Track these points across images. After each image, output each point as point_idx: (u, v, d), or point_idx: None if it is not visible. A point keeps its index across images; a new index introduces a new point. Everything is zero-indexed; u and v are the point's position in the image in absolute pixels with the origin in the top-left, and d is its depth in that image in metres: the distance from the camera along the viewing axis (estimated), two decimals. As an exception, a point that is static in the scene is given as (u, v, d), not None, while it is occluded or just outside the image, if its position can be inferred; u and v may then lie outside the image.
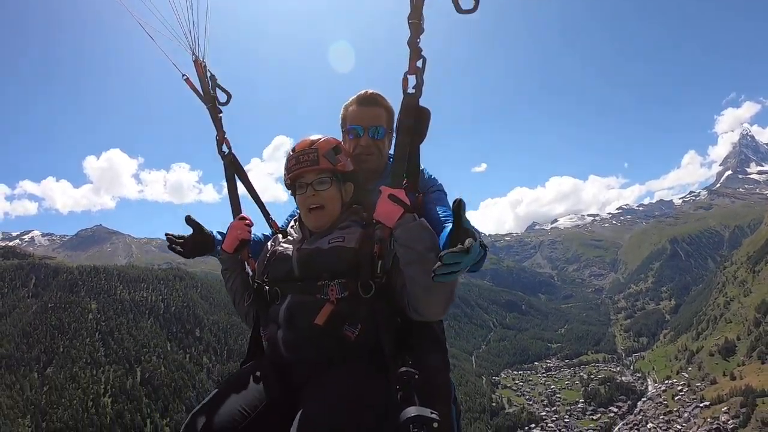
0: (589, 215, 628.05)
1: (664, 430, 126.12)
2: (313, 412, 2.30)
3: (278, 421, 2.52)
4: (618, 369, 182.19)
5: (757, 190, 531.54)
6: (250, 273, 3.18)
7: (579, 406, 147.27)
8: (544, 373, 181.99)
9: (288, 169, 2.91)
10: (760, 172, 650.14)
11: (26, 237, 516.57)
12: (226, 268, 3.25)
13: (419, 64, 2.58)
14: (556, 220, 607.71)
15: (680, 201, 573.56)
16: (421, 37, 2.56)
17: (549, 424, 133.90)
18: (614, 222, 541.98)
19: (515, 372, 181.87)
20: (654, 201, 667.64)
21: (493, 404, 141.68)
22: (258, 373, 2.74)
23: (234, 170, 3.55)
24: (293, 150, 2.92)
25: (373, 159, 3.27)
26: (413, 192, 2.73)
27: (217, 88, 3.60)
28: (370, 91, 3.36)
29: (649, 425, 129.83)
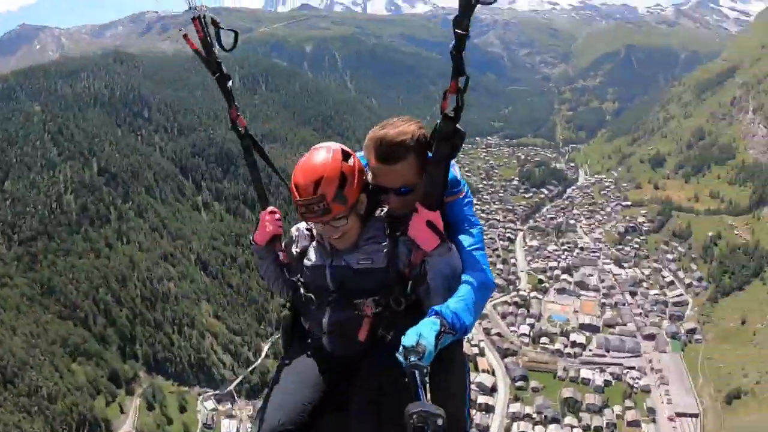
0: (549, 2, 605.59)
1: (586, 217, 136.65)
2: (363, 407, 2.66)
3: (334, 411, 2.88)
4: (554, 156, 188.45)
5: (724, 25, 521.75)
6: (283, 263, 3.28)
7: (513, 183, 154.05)
8: (484, 148, 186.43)
9: (300, 213, 2.74)
10: (731, 8, 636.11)
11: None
12: (260, 257, 3.36)
13: (461, 83, 2.44)
14: (514, 1, 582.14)
15: (645, 10, 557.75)
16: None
17: (485, 196, 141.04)
18: (573, 15, 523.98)
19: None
20: (619, 3, 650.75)
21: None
22: (311, 366, 3.03)
23: (254, 153, 3.45)
24: (297, 192, 2.67)
25: (403, 211, 2.87)
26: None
27: (221, 37, 3.20)
28: (387, 138, 2.76)
29: (574, 211, 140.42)
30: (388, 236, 2.89)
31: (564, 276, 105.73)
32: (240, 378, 77.06)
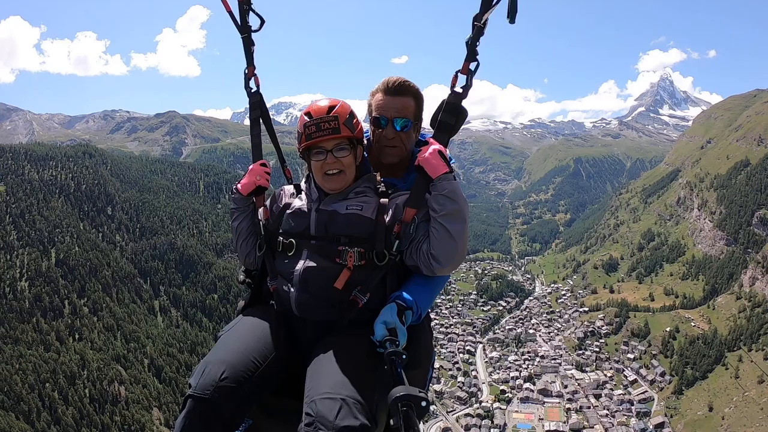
0: (501, 122, 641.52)
1: (545, 326, 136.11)
2: (322, 379, 2.39)
3: (285, 373, 2.75)
4: (510, 268, 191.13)
5: (665, 131, 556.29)
6: (262, 220, 3.20)
7: (471, 297, 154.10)
8: None
9: (307, 135, 2.85)
10: (671, 116, 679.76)
11: None
12: (236, 208, 3.28)
13: (472, 66, 2.78)
14: (468, 122, 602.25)
15: (591, 125, 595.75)
16: (480, 40, 2.73)
17: (443, 311, 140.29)
18: (525, 133, 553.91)
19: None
20: (566, 120, 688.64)
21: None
22: (268, 325, 2.82)
23: (259, 111, 3.52)
24: (308, 115, 2.87)
25: (397, 151, 3.23)
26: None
27: (251, 12, 3.40)
28: (398, 78, 3.24)
29: (533, 321, 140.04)
30: (378, 193, 2.96)
31: (527, 385, 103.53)
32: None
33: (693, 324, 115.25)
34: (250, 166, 3.31)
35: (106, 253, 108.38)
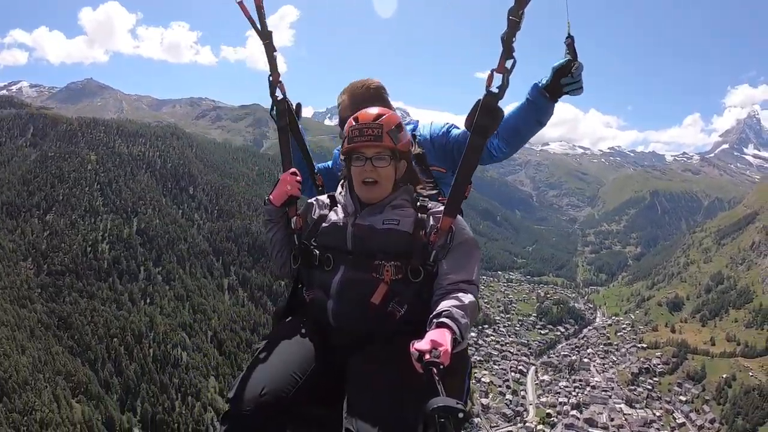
0: (580, 147, 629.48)
1: (600, 357, 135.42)
2: (363, 395, 2.40)
3: (324, 386, 2.69)
4: (573, 296, 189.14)
5: (747, 172, 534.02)
6: (296, 230, 3.18)
7: (531, 318, 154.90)
8: (505, 283, 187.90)
9: (350, 138, 2.87)
10: (755, 156, 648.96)
11: (13, 87, 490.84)
12: (270, 219, 3.25)
13: (509, 64, 2.66)
14: (547, 144, 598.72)
15: (672, 158, 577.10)
16: (517, 35, 2.60)
17: (501, 328, 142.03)
18: (603, 160, 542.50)
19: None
20: (647, 150, 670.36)
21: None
22: (305, 337, 2.81)
23: (287, 118, 3.52)
24: (356, 120, 2.88)
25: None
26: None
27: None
28: (371, 91, 3.56)
29: (589, 350, 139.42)
30: (416, 208, 2.90)
31: (573, 412, 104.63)
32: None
33: (751, 374, 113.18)
34: (281, 176, 3.31)
35: (184, 229, 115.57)
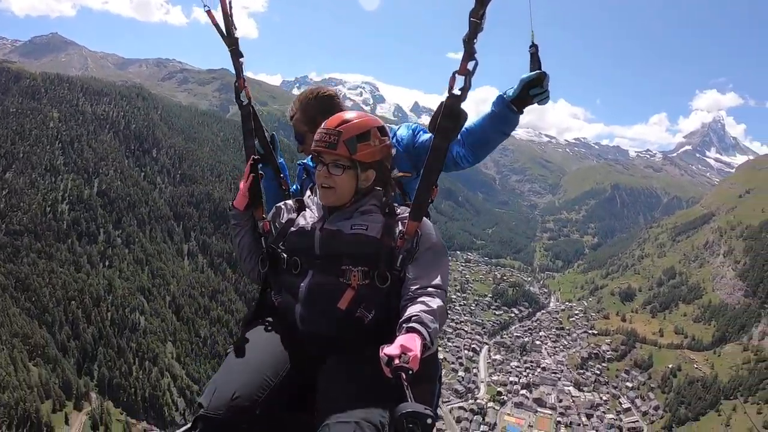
0: (546, 135, 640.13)
1: (552, 340, 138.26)
2: (334, 401, 2.34)
3: (296, 390, 2.69)
4: (529, 279, 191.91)
5: (707, 174, 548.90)
6: (263, 233, 3.16)
7: (486, 299, 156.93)
8: (463, 263, 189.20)
9: (315, 141, 2.82)
10: (716, 159, 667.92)
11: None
12: (236, 223, 3.23)
13: (471, 66, 2.62)
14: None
15: (635, 154, 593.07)
16: (479, 37, 2.55)
17: (456, 307, 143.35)
18: (568, 150, 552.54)
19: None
20: (612, 144, 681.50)
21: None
22: (276, 340, 2.80)
23: (251, 123, 3.49)
24: (324, 123, 2.83)
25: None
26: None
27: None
28: (324, 101, 3.59)
29: (541, 333, 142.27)
30: (385, 213, 2.86)
31: (523, 391, 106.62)
32: (188, 425, 76.15)
33: (696, 366, 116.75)
34: (242, 182, 3.27)
35: (146, 192, 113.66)
